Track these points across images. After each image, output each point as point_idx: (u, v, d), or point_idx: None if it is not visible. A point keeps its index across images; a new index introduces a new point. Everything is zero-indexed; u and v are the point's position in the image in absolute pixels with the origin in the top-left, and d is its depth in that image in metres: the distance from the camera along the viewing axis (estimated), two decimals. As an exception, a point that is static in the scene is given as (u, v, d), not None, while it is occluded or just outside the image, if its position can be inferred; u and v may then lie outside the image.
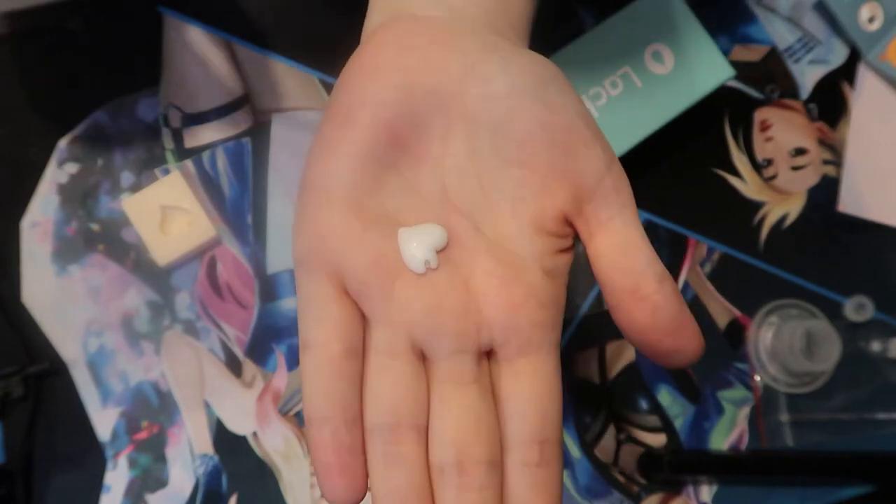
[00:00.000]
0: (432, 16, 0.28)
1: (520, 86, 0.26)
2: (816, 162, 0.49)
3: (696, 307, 0.47)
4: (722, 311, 0.47)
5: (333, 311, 0.26)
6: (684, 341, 0.25)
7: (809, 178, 0.49)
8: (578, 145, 0.26)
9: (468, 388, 0.26)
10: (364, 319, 0.27)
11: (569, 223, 0.27)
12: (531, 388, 0.26)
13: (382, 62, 0.27)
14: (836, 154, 0.49)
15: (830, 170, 0.49)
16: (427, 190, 0.27)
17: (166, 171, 0.46)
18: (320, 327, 0.26)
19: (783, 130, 0.49)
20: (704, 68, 0.43)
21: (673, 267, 0.47)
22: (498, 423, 0.26)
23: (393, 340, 0.26)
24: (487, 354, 0.27)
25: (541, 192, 0.26)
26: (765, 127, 0.49)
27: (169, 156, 0.46)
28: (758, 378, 0.47)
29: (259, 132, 0.46)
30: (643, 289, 0.25)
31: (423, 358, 0.27)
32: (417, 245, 0.26)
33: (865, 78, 0.50)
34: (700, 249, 0.48)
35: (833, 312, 0.47)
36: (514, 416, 0.26)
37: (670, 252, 0.47)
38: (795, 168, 0.49)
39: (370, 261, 0.26)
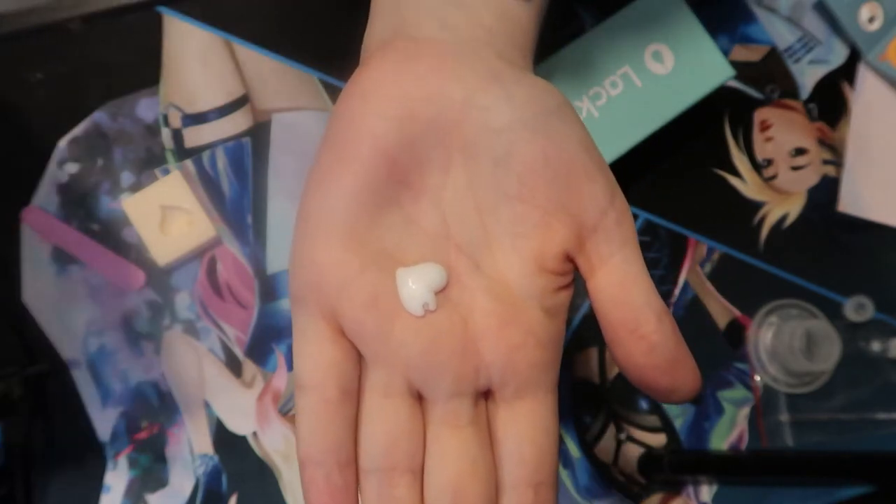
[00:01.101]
0: (433, 38, 0.27)
1: (521, 117, 0.25)
2: (816, 162, 0.49)
3: (696, 307, 0.47)
4: (722, 311, 0.47)
5: (329, 352, 0.26)
6: (681, 380, 0.25)
7: (809, 178, 0.49)
8: (581, 179, 0.26)
9: (465, 431, 0.26)
10: (360, 358, 0.26)
11: (569, 259, 0.26)
12: (528, 430, 0.26)
13: (381, 91, 0.26)
14: (836, 154, 0.49)
15: (830, 170, 0.49)
16: (427, 224, 0.27)
17: (166, 171, 0.46)
18: (315, 369, 0.25)
19: (783, 130, 0.49)
20: (704, 68, 0.43)
21: (673, 267, 0.47)
22: (494, 464, 0.26)
23: (389, 381, 0.26)
24: (485, 394, 0.26)
25: (541, 229, 0.26)
26: (765, 127, 0.49)
27: (169, 156, 0.46)
28: (758, 378, 0.47)
29: (259, 132, 0.46)
30: (642, 327, 0.25)
31: (419, 398, 0.26)
32: (416, 286, 0.25)
33: (865, 78, 0.50)
34: (700, 249, 0.48)
35: (833, 312, 0.47)
36: (511, 458, 0.26)
37: (670, 252, 0.47)
38: (795, 168, 0.49)
39: (367, 301, 0.25)
